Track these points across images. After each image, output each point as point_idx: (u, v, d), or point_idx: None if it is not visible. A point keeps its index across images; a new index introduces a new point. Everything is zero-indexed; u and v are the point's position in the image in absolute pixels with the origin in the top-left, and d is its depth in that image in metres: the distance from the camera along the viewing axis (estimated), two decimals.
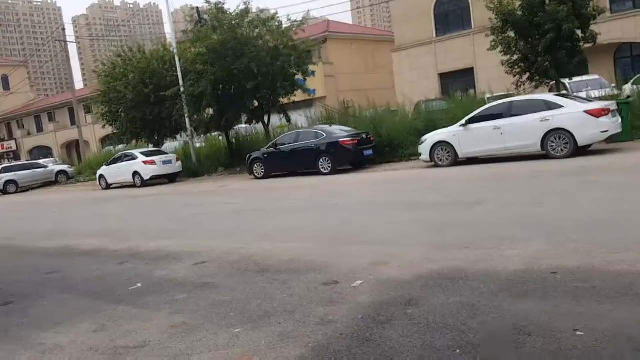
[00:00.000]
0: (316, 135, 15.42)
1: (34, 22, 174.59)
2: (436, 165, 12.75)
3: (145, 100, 21.40)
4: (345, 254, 5.70)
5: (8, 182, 26.23)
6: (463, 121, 12.37)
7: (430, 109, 18.96)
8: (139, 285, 5.63)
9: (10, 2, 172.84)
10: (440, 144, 12.64)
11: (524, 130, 11.35)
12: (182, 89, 19.47)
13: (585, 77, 17.62)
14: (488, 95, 18.65)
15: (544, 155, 11.28)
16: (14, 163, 31.45)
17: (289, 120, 20.52)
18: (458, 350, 3.08)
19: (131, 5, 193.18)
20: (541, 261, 4.50)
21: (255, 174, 16.72)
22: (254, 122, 20.84)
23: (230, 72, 18.08)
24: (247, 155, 17.23)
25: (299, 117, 21.41)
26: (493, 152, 12.05)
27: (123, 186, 21.46)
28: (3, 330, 4.71)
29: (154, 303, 4.91)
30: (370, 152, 15.20)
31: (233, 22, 18.69)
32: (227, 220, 9.53)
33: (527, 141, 11.38)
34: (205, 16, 20.92)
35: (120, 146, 27.08)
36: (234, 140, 22.22)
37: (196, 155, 22.32)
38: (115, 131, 24.70)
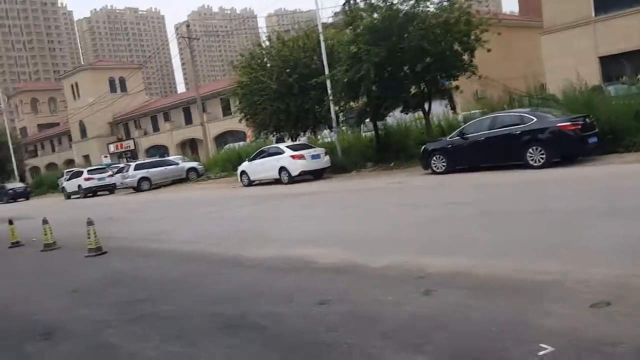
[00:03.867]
0: (522, 119, 12.43)
1: (140, 30, 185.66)
2: None
3: (288, 90, 19.70)
4: None
5: (142, 179, 25.82)
6: None
7: (618, 93, 15.74)
8: (550, 348, 3.17)
9: (118, 12, 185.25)
10: None
11: None
12: (335, 76, 17.39)
13: None
14: None
15: None
16: (147, 160, 31.33)
17: (453, 108, 17.77)
18: None
19: (228, 12, 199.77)
20: None
21: (434, 168, 14.10)
22: (411, 110, 18.30)
23: (391, 52, 15.71)
24: (423, 147, 14.67)
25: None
26: None
27: (263, 183, 19.84)
28: None
29: None
30: (594, 139, 12.00)
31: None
32: (489, 229, 6.86)
33: None
34: None
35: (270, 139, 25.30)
36: (382, 132, 19.84)
37: (341, 149, 20.21)
38: (251, 128, 23.27)
